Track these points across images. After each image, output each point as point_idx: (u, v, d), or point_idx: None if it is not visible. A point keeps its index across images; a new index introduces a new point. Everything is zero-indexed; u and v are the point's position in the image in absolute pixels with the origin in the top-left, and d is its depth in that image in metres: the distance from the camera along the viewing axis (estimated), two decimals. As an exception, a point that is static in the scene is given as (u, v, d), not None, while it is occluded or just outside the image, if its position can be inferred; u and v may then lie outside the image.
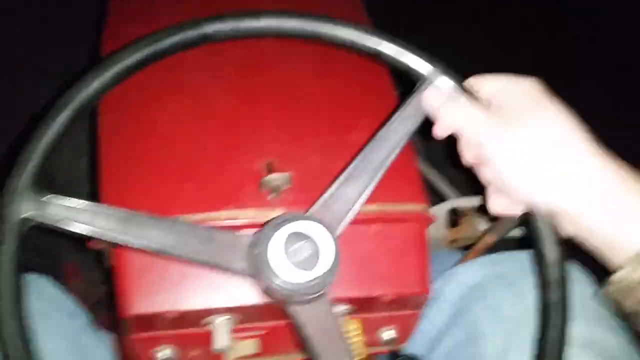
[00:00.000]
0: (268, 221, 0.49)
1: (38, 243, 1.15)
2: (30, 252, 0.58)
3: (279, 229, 0.48)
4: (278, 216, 0.49)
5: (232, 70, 0.75)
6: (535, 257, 0.56)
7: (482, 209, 1.10)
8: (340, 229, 0.52)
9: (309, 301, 0.50)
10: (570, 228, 0.52)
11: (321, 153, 0.69)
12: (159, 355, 0.68)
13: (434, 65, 0.56)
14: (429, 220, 0.69)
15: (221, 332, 0.64)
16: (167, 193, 0.64)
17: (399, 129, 0.56)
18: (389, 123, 0.56)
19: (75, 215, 0.48)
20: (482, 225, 1.06)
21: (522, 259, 0.71)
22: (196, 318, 0.64)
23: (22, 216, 0.47)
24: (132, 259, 0.61)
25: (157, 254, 0.49)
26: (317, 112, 0.74)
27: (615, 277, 0.50)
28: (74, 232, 0.48)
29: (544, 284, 0.55)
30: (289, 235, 0.48)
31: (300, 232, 0.48)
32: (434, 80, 0.55)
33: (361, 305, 0.68)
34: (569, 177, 0.50)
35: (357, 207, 0.54)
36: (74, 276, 1.25)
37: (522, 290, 0.67)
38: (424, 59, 0.56)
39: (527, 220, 0.55)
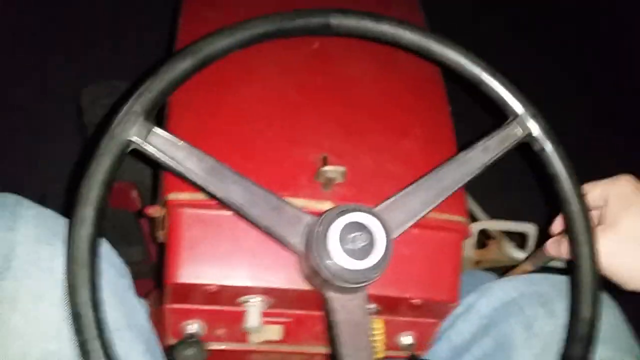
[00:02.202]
0: (333, 208, 0.51)
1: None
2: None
3: (344, 215, 0.50)
4: (345, 204, 0.51)
5: (300, 65, 0.78)
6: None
7: (511, 234, 1.13)
8: (397, 233, 0.54)
9: (348, 290, 0.52)
10: None
11: (374, 153, 0.72)
12: (189, 328, 0.70)
13: (526, 108, 0.59)
14: (466, 233, 0.71)
15: (254, 312, 0.67)
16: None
17: (478, 158, 0.58)
18: (469, 149, 0.58)
19: (172, 151, 0.51)
20: (510, 249, 1.08)
21: (558, 281, 0.72)
22: (233, 295, 0.67)
23: (129, 138, 0.50)
24: (187, 229, 0.64)
25: (227, 206, 0.52)
26: (373, 114, 0.76)
27: None
28: (166, 165, 0.51)
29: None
30: (350, 223, 0.50)
31: (362, 224, 0.50)
32: (525, 121, 0.59)
33: (388, 306, 0.70)
34: None
35: (417, 218, 0.56)
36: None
37: (557, 310, 0.68)
38: (519, 98, 0.60)
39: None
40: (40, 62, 1.61)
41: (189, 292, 0.66)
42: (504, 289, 0.77)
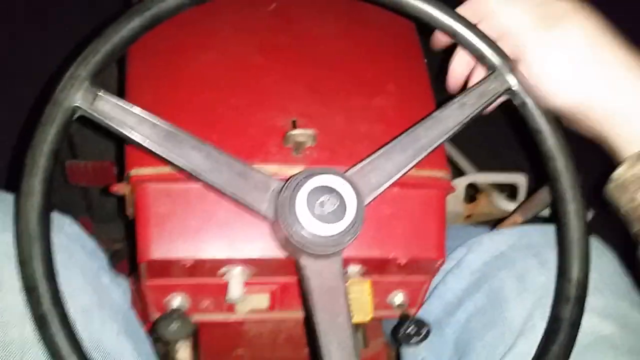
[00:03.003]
0: (300, 172, 0.49)
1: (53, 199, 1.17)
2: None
3: (310, 178, 0.48)
4: (313, 167, 0.50)
5: (261, 25, 0.75)
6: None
7: (501, 186, 1.11)
8: (370, 198, 0.53)
9: (321, 256, 0.50)
10: (586, 123, 0.57)
11: (346, 114, 0.69)
12: (172, 302, 0.68)
13: (505, 61, 0.57)
14: (449, 188, 0.69)
15: (236, 283, 0.65)
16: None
17: (455, 115, 0.56)
18: (446, 106, 0.56)
19: (123, 116, 0.49)
20: (500, 201, 1.06)
21: (549, 231, 0.70)
22: (212, 268, 0.65)
23: (75, 104, 0.48)
24: (154, 205, 0.62)
25: (190, 174, 0.50)
26: (343, 72, 0.73)
27: (614, 174, 0.52)
28: (116, 132, 0.49)
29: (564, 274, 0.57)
30: (318, 187, 0.48)
31: (331, 188, 0.48)
32: (504, 74, 0.57)
33: (374, 267, 0.68)
34: (594, 73, 0.56)
35: (392, 181, 0.54)
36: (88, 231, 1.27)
37: (549, 261, 0.67)
38: (498, 52, 0.57)
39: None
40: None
41: (164, 267, 0.64)
42: (494, 242, 0.75)
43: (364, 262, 0.67)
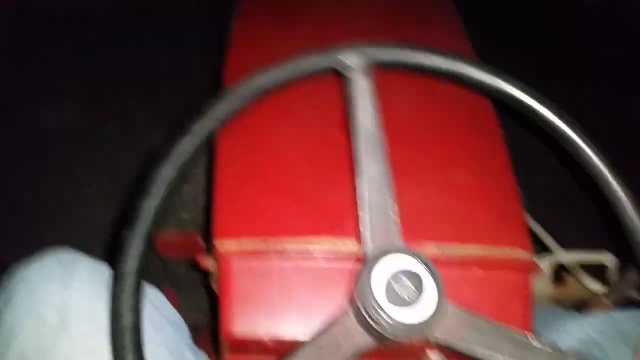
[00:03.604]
0: (378, 253, 0.49)
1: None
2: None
3: (389, 259, 0.48)
4: (392, 247, 0.49)
5: (341, 103, 0.77)
6: None
7: (591, 266, 1.06)
8: None
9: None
10: None
11: (424, 189, 0.69)
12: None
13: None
14: (534, 269, 0.67)
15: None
16: (277, 215, 0.66)
17: None
18: None
19: None
20: (589, 283, 1.01)
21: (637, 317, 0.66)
22: (292, 347, 0.64)
23: None
24: (238, 281, 0.63)
25: None
26: (421, 146, 0.74)
27: None
28: None
29: None
30: (399, 271, 0.48)
31: (413, 272, 0.48)
32: None
33: (456, 356, 0.66)
34: None
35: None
36: (171, 301, 1.30)
37: None
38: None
39: None
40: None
41: (245, 344, 0.64)
42: (582, 328, 0.72)
43: (444, 349, 0.64)
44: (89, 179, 1.59)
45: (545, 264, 1.02)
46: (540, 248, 1.15)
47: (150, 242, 0.49)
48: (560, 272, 1.06)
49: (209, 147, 0.75)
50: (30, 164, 1.61)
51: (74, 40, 1.93)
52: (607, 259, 1.03)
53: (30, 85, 1.81)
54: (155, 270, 1.28)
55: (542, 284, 1.02)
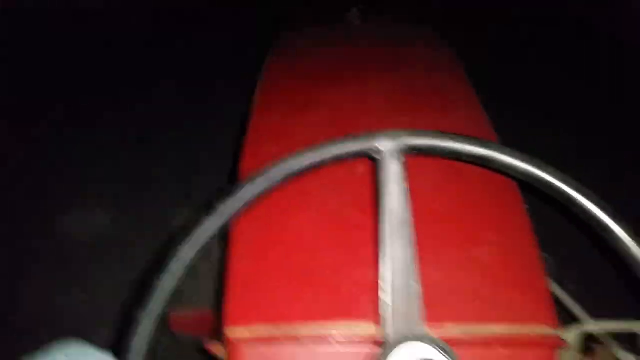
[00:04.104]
0: (394, 340, 0.47)
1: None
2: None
3: (404, 347, 0.46)
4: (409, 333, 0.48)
5: (357, 186, 0.76)
6: None
7: (620, 335, 1.01)
8: None
9: None
10: None
11: (447, 268, 0.67)
12: None
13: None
14: (560, 344, 0.64)
15: None
16: (290, 301, 0.65)
17: None
18: None
19: None
20: (621, 354, 0.96)
21: None
22: None
23: None
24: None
25: None
26: (446, 226, 0.73)
27: None
28: None
29: None
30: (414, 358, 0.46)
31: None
32: None
33: None
34: None
35: None
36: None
37: None
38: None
39: None
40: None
41: None
42: None
43: None
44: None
45: (573, 335, 0.98)
46: (570, 319, 1.10)
47: (161, 323, 0.48)
48: (589, 343, 1.01)
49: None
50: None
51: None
52: (639, 327, 0.99)
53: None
54: (170, 352, 1.26)
55: (570, 357, 0.97)
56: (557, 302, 1.14)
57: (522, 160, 0.54)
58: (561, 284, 1.15)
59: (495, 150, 0.55)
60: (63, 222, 1.71)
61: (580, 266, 1.26)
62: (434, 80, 1.02)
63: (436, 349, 0.46)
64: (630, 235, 0.52)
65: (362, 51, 1.13)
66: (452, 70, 1.06)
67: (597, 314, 1.09)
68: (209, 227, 0.52)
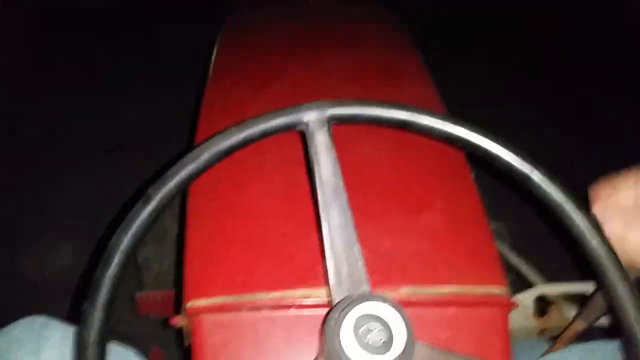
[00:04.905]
0: (344, 299, 0.49)
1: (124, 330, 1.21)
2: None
3: (356, 305, 0.47)
4: (360, 294, 0.49)
5: (302, 156, 0.77)
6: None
7: (572, 296, 1.05)
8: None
9: None
10: None
11: (394, 234, 0.69)
12: None
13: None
14: (510, 305, 0.66)
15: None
16: (247, 271, 0.66)
17: None
18: None
19: None
20: (573, 312, 1.00)
21: (613, 348, 0.66)
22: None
23: None
24: (209, 336, 0.62)
25: None
26: (390, 194, 0.74)
27: None
28: None
29: None
30: (365, 315, 0.47)
31: (379, 317, 0.47)
32: None
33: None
34: None
35: None
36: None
37: None
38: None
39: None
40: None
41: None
42: None
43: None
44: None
45: (527, 298, 1.02)
46: (523, 281, 1.15)
47: (110, 311, 0.49)
48: (543, 305, 1.05)
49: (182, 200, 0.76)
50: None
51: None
52: (590, 288, 1.03)
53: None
54: (143, 332, 1.27)
55: (524, 318, 1.01)
56: (513, 269, 1.18)
57: (438, 119, 0.56)
58: (516, 251, 1.19)
59: (413, 112, 0.57)
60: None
61: (535, 233, 1.29)
62: (385, 57, 1.03)
63: (385, 304, 0.48)
64: (549, 178, 0.53)
65: (315, 27, 1.15)
66: (404, 47, 1.07)
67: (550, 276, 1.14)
68: (144, 213, 0.52)
